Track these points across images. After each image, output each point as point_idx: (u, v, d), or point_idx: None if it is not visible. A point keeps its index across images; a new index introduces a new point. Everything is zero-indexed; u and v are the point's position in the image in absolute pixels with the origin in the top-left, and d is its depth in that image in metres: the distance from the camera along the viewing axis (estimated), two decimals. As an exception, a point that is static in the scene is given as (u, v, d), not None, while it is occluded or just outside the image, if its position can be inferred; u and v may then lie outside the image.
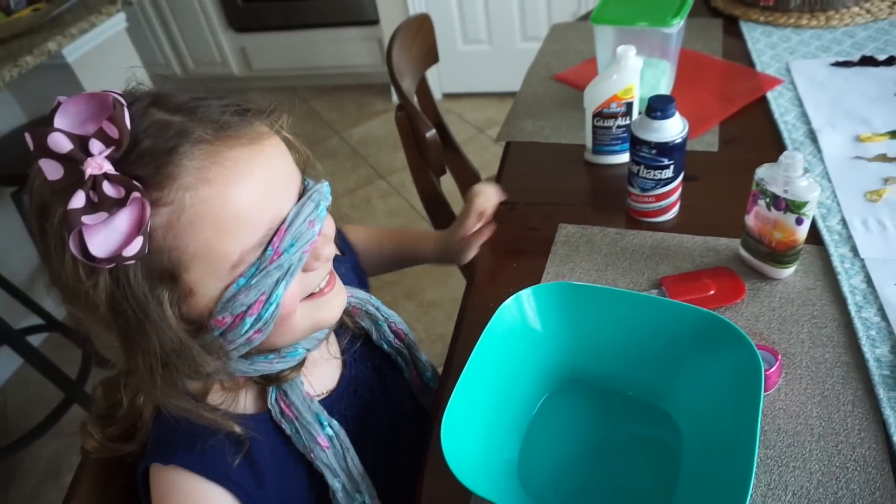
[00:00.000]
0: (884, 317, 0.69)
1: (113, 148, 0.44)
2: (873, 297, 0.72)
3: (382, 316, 0.74)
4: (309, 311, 0.57)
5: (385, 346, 0.75)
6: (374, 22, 2.95)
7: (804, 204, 0.69)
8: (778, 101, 1.06)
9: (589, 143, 1.00)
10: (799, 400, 0.64)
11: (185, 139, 0.46)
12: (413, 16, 1.40)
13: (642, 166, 0.83)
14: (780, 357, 0.65)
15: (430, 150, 1.10)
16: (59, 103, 0.45)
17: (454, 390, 0.58)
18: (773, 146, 0.98)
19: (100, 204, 0.44)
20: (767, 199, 0.71)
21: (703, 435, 0.59)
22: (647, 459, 0.62)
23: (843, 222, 0.82)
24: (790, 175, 0.69)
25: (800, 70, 1.12)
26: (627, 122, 0.95)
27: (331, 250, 0.57)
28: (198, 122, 0.48)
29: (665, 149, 0.80)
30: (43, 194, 0.47)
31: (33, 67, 1.58)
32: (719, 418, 0.58)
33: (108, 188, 0.44)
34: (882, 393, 0.63)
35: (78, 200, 0.43)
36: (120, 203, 0.44)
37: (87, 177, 0.43)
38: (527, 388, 0.67)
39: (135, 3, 2.18)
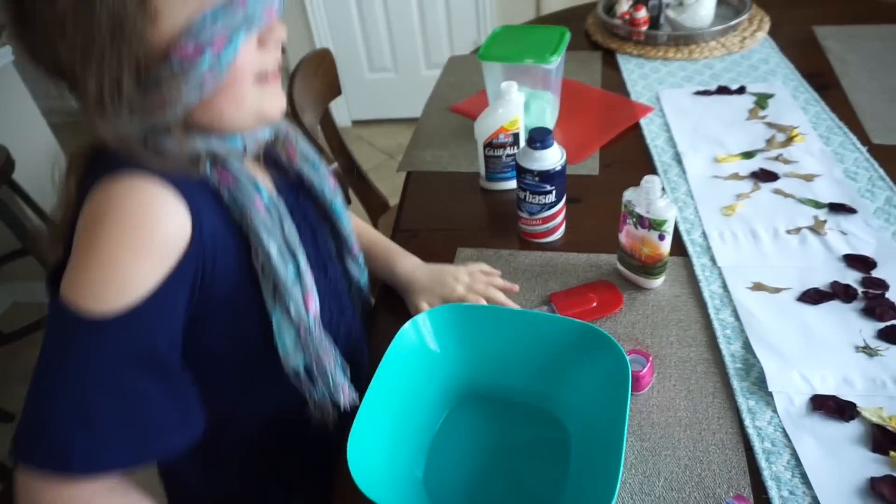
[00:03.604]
0: (737, 317, 0.79)
1: None
2: (728, 300, 0.82)
3: (318, 160, 0.76)
4: (257, 95, 0.59)
5: (325, 194, 0.76)
6: (279, 52, 2.96)
7: (664, 222, 0.78)
8: (649, 126, 1.18)
9: (482, 170, 1.07)
10: (669, 395, 0.72)
11: None
12: (313, 51, 1.44)
13: (528, 192, 0.91)
14: (651, 358, 0.73)
15: (334, 182, 1.13)
16: None
17: (358, 412, 0.62)
18: (647, 168, 1.09)
19: None
20: (634, 219, 0.80)
21: (586, 433, 0.66)
22: (543, 461, 0.68)
23: (704, 235, 0.92)
24: (651, 197, 0.78)
25: (667, 98, 1.25)
26: (515, 150, 1.03)
27: (283, 34, 0.60)
28: None
29: (547, 176, 0.88)
30: None
31: None
32: (597, 417, 0.65)
33: None
34: (735, 383, 0.72)
35: None
36: None
37: None
38: (429, 406, 0.71)
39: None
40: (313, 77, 1.40)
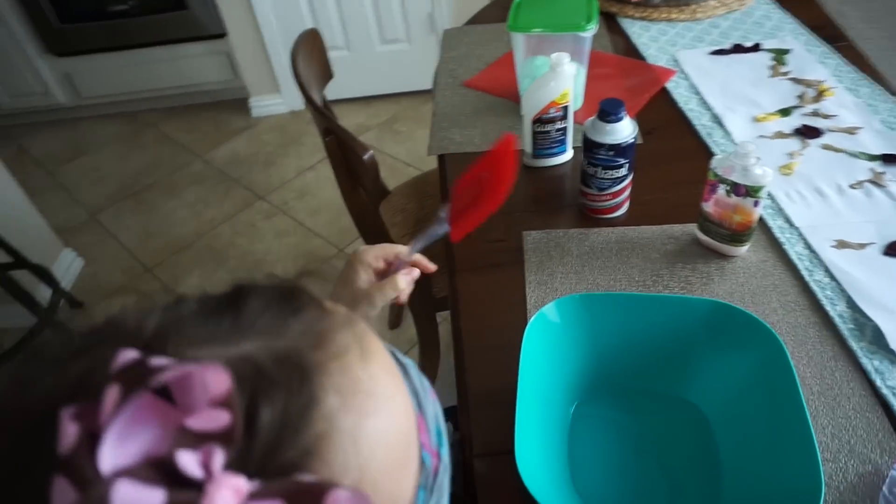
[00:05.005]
0: (832, 277, 0.79)
1: (225, 449, 0.25)
2: (818, 260, 0.82)
3: None
4: None
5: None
6: (219, 35, 2.77)
7: (760, 188, 0.76)
8: (677, 90, 1.16)
9: (529, 148, 1.02)
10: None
11: (305, 373, 0.29)
12: (303, 32, 1.33)
13: (599, 167, 0.87)
14: (768, 328, 0.72)
15: (369, 171, 1.06)
16: (80, 428, 0.23)
17: (516, 422, 0.57)
18: (688, 133, 1.07)
19: None
20: (727, 187, 0.78)
21: (736, 422, 0.63)
22: (685, 450, 0.66)
23: (771, 196, 0.92)
24: (746, 164, 0.76)
25: (687, 60, 1.24)
26: (565, 125, 0.99)
27: None
28: (273, 338, 0.30)
29: (620, 149, 0.85)
30: None
31: None
32: (747, 400, 0.63)
33: None
34: (854, 345, 0.72)
35: None
36: None
37: None
38: (560, 400, 0.68)
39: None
40: (310, 57, 1.30)
